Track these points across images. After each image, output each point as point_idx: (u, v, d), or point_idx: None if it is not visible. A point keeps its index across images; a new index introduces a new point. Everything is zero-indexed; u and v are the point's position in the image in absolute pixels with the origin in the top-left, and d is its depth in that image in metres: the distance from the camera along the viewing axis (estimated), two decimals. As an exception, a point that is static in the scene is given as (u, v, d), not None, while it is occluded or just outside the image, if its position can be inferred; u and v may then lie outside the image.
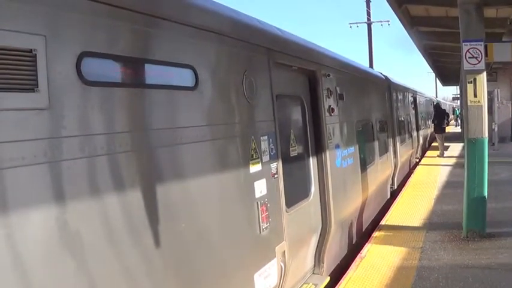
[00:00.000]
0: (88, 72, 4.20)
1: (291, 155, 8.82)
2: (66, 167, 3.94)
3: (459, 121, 75.48)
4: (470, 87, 11.42)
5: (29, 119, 3.67)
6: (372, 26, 49.90)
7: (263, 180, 7.11)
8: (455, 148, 34.37)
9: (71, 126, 4.01)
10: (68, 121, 3.99)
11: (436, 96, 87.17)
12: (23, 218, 3.59)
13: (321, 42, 12.43)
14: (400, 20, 21.40)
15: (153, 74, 5.24)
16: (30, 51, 3.70)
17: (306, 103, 9.59)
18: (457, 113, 77.71)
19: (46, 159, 3.76)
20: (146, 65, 5.12)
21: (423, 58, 38.33)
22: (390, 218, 14.37)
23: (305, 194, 9.30)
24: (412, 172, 24.31)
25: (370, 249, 11.27)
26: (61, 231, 3.87)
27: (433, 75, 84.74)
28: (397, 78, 24.07)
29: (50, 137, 3.82)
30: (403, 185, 20.31)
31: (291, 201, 8.23)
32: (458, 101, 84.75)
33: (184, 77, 5.68)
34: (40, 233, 3.71)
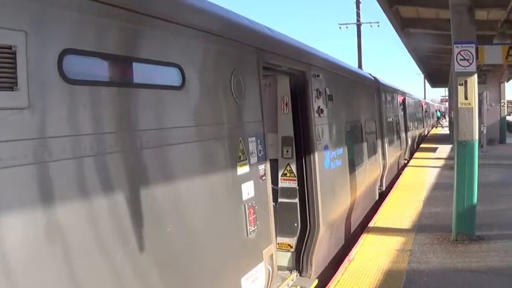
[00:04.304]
0: (70, 71, 4.06)
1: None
2: (48, 169, 3.81)
3: (440, 123, 78.15)
4: (461, 89, 11.37)
5: (7, 119, 3.53)
6: (361, 27, 49.89)
7: (251, 182, 7.01)
8: (443, 150, 34.43)
9: (52, 126, 3.88)
10: (50, 121, 3.86)
11: (425, 98, 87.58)
12: (2, 222, 3.46)
13: (312, 43, 12.36)
14: (390, 21, 21.45)
15: (139, 72, 5.08)
16: (10, 47, 3.55)
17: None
18: (438, 114, 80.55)
19: (26, 161, 3.63)
20: (131, 64, 4.98)
21: (412, 59, 38.47)
22: (379, 220, 14.29)
23: None
24: (401, 173, 24.27)
25: (358, 252, 11.18)
26: (44, 234, 3.75)
27: (422, 76, 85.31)
28: (387, 79, 24.08)
29: (30, 138, 3.68)
30: (392, 187, 20.25)
31: None
32: (445, 104, 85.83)
33: (170, 76, 5.56)
34: (21, 236, 3.59)
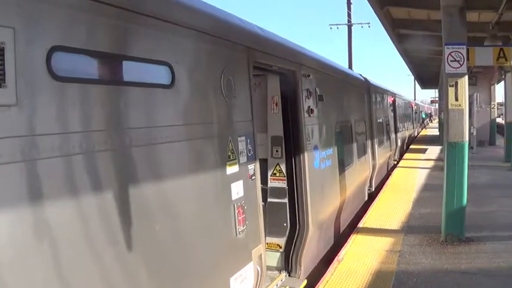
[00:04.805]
0: (59, 68, 4.00)
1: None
2: (35, 167, 3.76)
3: (424, 124, 79.41)
4: (451, 90, 11.37)
5: None
6: (352, 28, 49.93)
7: (240, 182, 6.96)
8: (433, 151, 34.52)
9: (41, 124, 3.83)
10: (38, 119, 3.81)
11: (415, 99, 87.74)
12: None
13: (304, 44, 12.32)
14: (381, 22, 21.43)
15: (128, 70, 5.03)
16: None
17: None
18: (423, 115, 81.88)
19: (14, 158, 3.57)
20: (121, 61, 4.92)
21: (403, 60, 38.48)
22: (368, 221, 14.30)
23: None
24: (390, 174, 24.31)
25: (347, 252, 11.17)
26: (32, 232, 3.70)
27: (412, 77, 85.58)
28: (377, 80, 24.09)
29: (18, 136, 3.63)
30: (381, 187, 20.27)
31: None
32: (435, 105, 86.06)
33: (160, 74, 5.51)
34: (9, 234, 3.55)
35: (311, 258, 10.47)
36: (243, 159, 7.10)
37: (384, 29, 22.87)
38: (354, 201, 15.56)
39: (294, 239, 9.67)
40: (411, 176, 22.95)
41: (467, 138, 11.65)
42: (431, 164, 27.45)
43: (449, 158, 11.68)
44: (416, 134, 58.77)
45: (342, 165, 13.62)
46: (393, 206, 16.19)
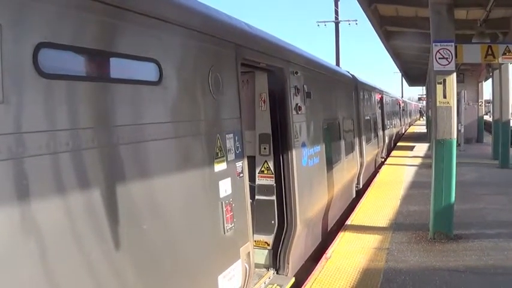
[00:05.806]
0: (46, 65, 3.95)
1: None
2: (22, 165, 3.71)
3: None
4: (439, 88, 11.38)
5: None
6: (339, 25, 49.96)
7: (228, 179, 6.94)
8: (420, 148, 34.61)
9: (27, 121, 3.77)
10: (25, 116, 3.76)
11: (402, 96, 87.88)
12: None
13: (292, 41, 12.28)
14: (369, 19, 21.44)
15: (116, 67, 4.99)
16: None
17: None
18: None
19: (0, 156, 3.52)
20: (108, 58, 4.87)
21: (390, 58, 38.52)
22: (356, 218, 14.30)
23: None
24: (378, 171, 24.32)
25: (335, 250, 11.16)
26: (19, 231, 3.66)
27: (399, 74, 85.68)
28: (365, 77, 24.09)
29: (4, 133, 3.57)
30: (369, 185, 20.29)
31: None
32: (423, 102, 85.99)
33: (148, 71, 5.46)
34: None
35: (299, 256, 10.45)
36: (231, 156, 7.07)
37: (371, 26, 22.89)
38: (341, 199, 15.57)
39: (282, 237, 9.65)
40: (399, 173, 23.00)
41: (455, 136, 11.67)
42: (418, 161, 27.54)
43: (437, 155, 11.69)
44: (404, 131, 58.94)
45: (330, 162, 13.60)
46: (381, 204, 16.21)
